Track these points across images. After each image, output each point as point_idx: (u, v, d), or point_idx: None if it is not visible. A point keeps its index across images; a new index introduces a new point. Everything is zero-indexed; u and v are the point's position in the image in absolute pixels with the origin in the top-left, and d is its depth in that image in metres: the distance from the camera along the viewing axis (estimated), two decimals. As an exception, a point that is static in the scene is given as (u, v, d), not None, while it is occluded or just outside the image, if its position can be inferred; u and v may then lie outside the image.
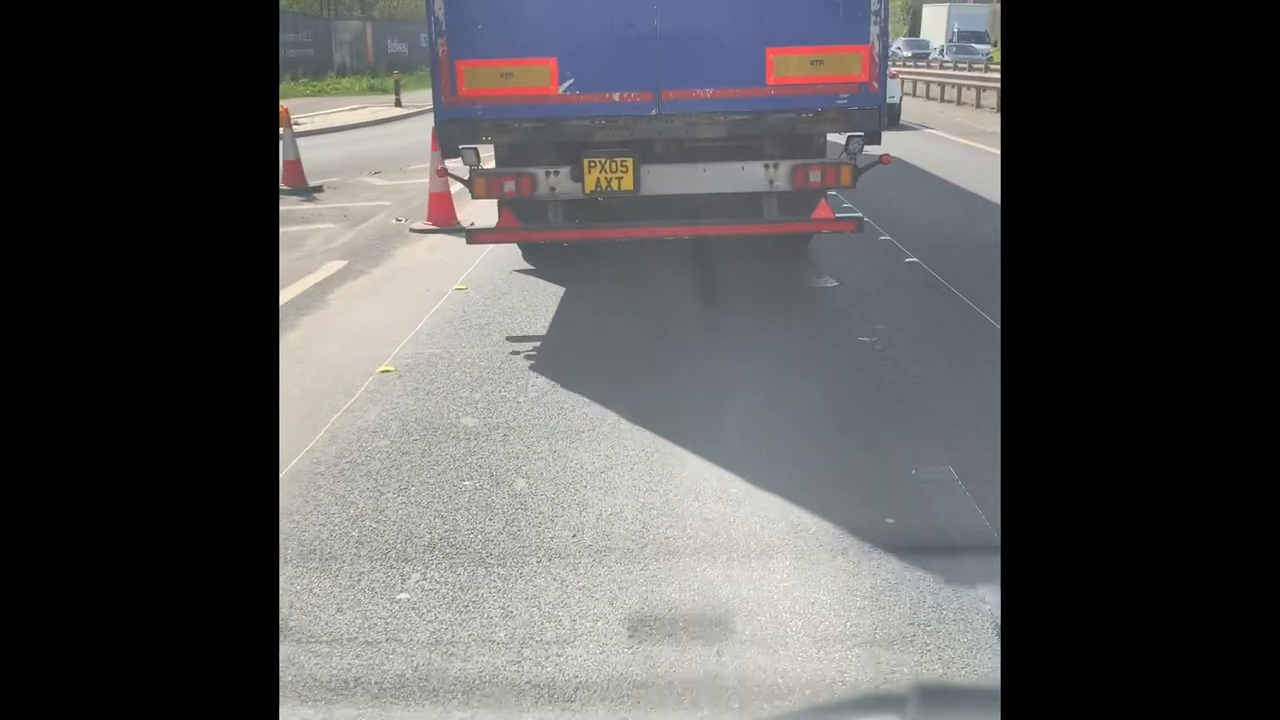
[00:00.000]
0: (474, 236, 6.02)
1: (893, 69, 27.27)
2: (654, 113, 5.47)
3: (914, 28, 46.60)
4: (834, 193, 6.07)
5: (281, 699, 1.30)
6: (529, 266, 7.09)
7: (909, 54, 35.07)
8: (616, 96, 5.45)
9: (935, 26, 40.44)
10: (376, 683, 2.51)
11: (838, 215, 6.01)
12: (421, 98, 25.97)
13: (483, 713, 2.43)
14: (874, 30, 5.34)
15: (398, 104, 24.69)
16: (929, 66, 30.06)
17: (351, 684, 2.51)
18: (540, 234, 6.12)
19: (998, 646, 1.18)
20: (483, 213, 7.91)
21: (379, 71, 33.92)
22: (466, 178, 5.74)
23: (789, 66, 5.39)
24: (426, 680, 2.52)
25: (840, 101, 5.45)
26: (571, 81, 5.42)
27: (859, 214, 6.19)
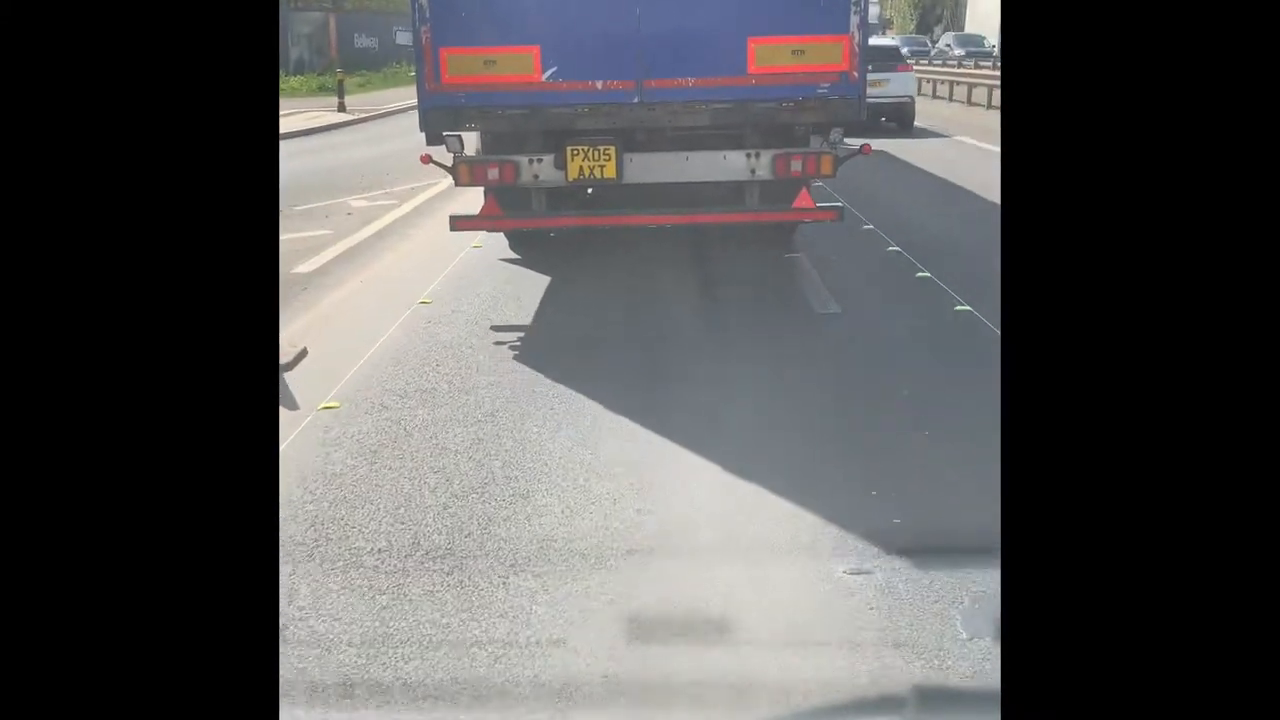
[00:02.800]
0: (457, 223, 6.01)
1: (939, 68, 23.23)
2: (636, 101, 5.50)
3: (921, 25, 42.14)
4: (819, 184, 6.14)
5: (282, 699, 1.26)
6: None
7: (961, 52, 27.74)
8: (599, 84, 5.48)
9: (987, 20, 33.17)
10: (377, 683, 2.45)
11: (819, 205, 6.08)
12: (377, 99, 22.50)
13: (483, 713, 2.39)
14: (854, 20, 5.41)
15: (341, 108, 20.31)
16: (993, 67, 21.06)
17: (352, 684, 2.43)
18: (523, 221, 6.13)
19: (998, 647, 1.13)
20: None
21: (341, 69, 30.02)
22: (450, 165, 5.73)
23: (770, 56, 5.44)
24: (428, 680, 2.47)
25: (820, 90, 5.51)
26: (555, 69, 5.44)
27: (840, 203, 6.25)
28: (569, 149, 5.53)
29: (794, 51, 5.44)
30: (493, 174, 5.66)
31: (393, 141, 12.92)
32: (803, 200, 5.90)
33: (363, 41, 36.25)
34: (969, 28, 35.69)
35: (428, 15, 5.37)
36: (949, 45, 30.13)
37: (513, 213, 5.97)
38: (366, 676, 2.48)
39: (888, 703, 1.36)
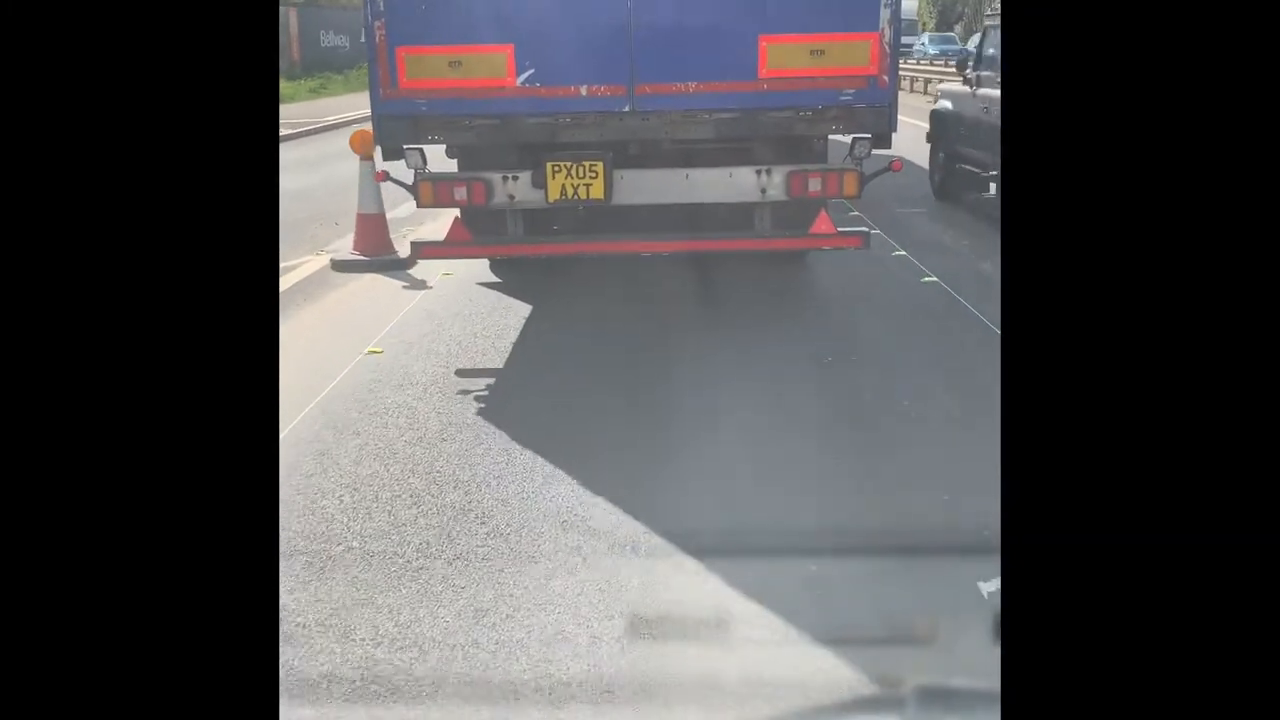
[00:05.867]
0: (420, 250, 5.34)
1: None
2: (628, 109, 4.80)
3: (940, 23, 42.73)
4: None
5: (282, 699, 1.22)
6: None
7: None
8: (584, 90, 4.78)
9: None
10: (377, 682, 2.51)
11: (840, 230, 5.29)
12: (327, 108, 19.84)
13: (484, 710, 2.44)
14: (884, 16, 4.69)
15: (265, 121, 17.68)
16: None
17: (352, 684, 2.49)
18: (495, 248, 5.45)
19: (998, 647, 1.04)
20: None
21: (298, 74, 26.15)
22: (411, 184, 5.01)
23: (785, 57, 4.71)
24: (427, 680, 2.51)
25: (844, 98, 4.78)
26: (531, 72, 4.73)
27: (865, 228, 5.47)
28: (549, 165, 4.83)
29: (813, 52, 4.71)
30: (460, 194, 4.95)
31: (303, 174, 9.61)
32: (822, 224, 5.14)
33: (330, 40, 32.46)
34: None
35: (381, 8, 4.65)
36: None
37: (484, 238, 5.27)
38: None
39: (888, 702, 1.33)
